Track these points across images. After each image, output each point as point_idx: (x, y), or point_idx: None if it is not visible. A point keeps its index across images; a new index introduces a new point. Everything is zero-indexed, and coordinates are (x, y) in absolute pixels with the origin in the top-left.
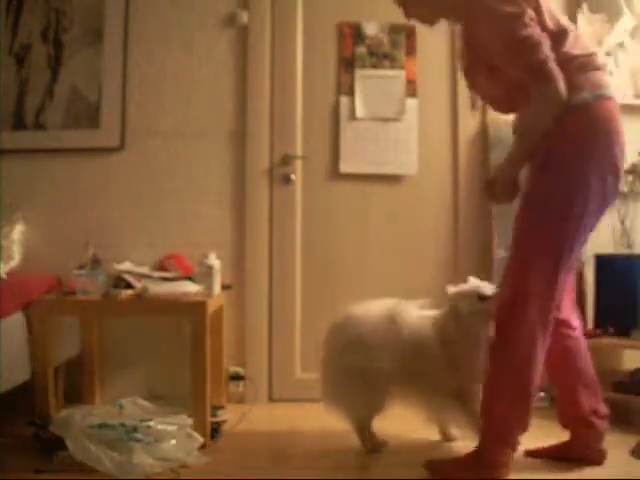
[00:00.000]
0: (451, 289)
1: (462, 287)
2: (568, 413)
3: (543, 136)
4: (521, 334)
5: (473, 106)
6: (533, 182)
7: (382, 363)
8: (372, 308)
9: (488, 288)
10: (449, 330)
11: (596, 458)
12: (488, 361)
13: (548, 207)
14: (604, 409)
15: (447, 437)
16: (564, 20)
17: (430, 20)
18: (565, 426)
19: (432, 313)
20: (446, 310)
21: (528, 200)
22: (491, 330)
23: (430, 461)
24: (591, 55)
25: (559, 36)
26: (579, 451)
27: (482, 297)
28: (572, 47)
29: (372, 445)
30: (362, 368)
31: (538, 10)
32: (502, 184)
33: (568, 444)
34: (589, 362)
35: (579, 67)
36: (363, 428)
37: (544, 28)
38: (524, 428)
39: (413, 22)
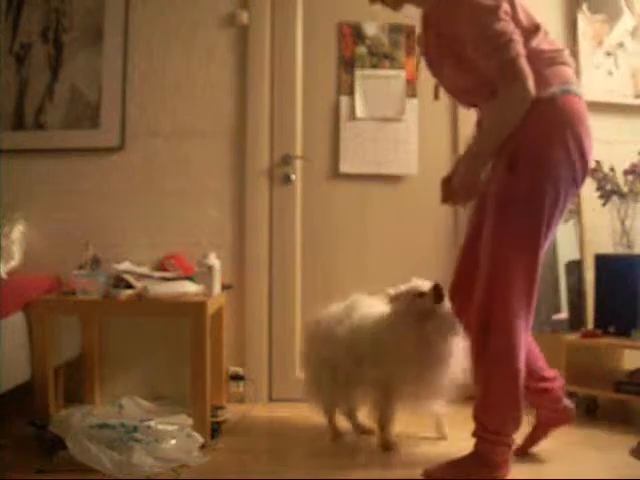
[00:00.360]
0: (390, 291)
1: (401, 288)
2: None
3: (510, 133)
4: (507, 331)
5: (436, 96)
6: (502, 180)
7: (332, 355)
8: (335, 306)
9: (425, 285)
10: (382, 329)
11: (562, 418)
12: (475, 364)
13: (521, 204)
14: (546, 372)
15: (442, 435)
16: (536, 17)
17: (393, 4)
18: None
19: (383, 309)
20: (387, 311)
21: (500, 199)
22: (463, 332)
23: (428, 468)
24: (559, 50)
25: (530, 32)
26: (545, 420)
27: (420, 294)
28: (541, 42)
29: (332, 434)
30: (320, 360)
31: (512, 5)
32: (464, 183)
33: (535, 421)
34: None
35: (547, 62)
36: (329, 416)
37: (517, 23)
38: (518, 424)
39: (377, 6)
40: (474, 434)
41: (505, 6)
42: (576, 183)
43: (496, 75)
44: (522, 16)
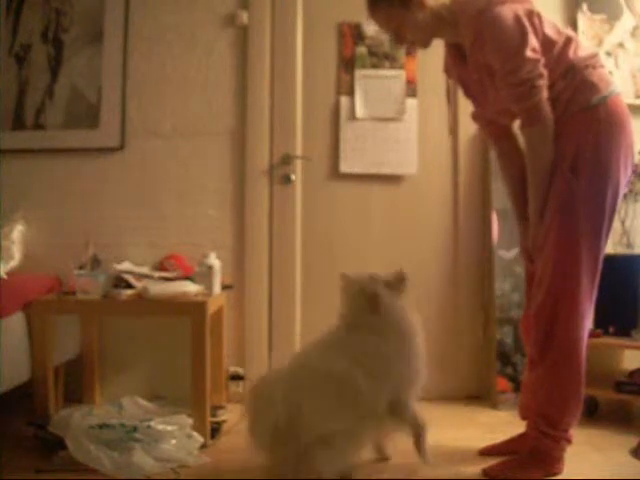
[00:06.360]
0: None
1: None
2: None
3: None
4: (574, 325)
5: (448, 100)
6: (565, 183)
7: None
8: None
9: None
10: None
11: None
12: (536, 364)
13: (585, 205)
14: None
15: (382, 456)
16: (562, 28)
17: (423, 42)
18: (524, 417)
19: None
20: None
21: (564, 201)
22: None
23: (487, 468)
24: (595, 55)
25: (565, 43)
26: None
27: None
28: (577, 50)
29: None
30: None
31: (540, 19)
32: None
33: (522, 436)
34: None
35: (590, 68)
36: None
37: (544, 37)
38: (577, 418)
39: (406, 47)
40: (534, 432)
41: (532, 41)
42: (625, 179)
43: (518, 113)
44: (551, 31)
